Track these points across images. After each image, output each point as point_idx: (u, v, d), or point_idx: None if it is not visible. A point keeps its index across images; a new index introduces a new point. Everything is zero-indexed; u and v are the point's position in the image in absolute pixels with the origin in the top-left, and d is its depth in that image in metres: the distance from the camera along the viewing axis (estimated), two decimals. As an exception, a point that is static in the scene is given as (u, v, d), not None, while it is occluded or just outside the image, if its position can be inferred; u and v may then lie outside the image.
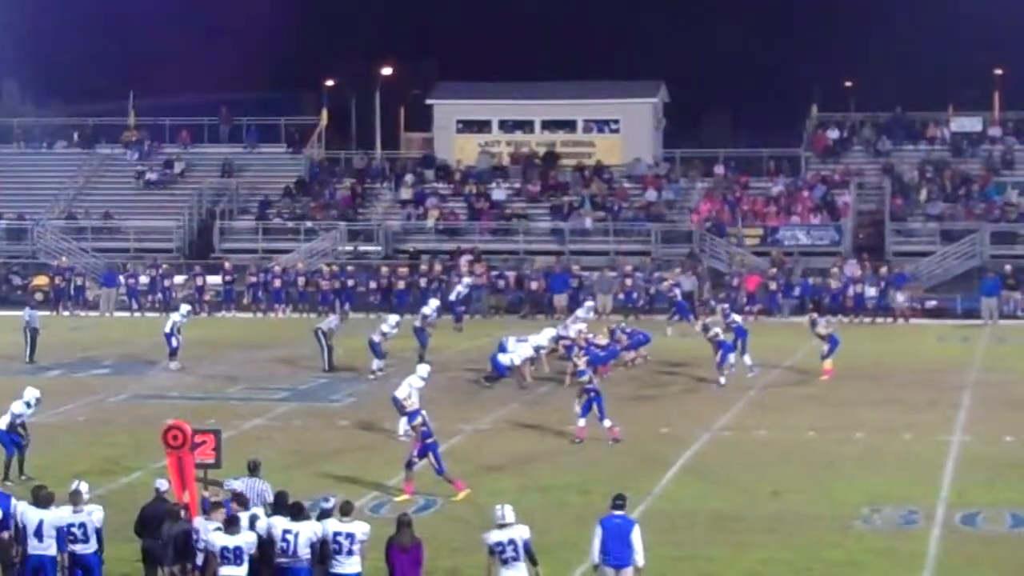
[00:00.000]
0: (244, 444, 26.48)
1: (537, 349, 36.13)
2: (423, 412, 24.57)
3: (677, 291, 47.59)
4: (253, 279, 53.56)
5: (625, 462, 26.36)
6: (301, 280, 53.47)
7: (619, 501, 17.65)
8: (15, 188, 63.69)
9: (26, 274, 57.84)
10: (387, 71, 75.10)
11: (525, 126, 63.68)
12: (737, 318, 38.07)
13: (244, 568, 17.04)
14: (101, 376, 37.57)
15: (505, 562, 16.89)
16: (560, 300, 50.89)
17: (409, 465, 23.84)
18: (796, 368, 37.97)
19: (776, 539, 21.36)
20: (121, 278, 54.19)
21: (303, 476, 24.74)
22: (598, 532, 17.36)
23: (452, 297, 47.84)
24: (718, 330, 35.93)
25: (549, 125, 63.40)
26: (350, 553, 17.28)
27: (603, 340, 36.16)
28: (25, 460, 25.23)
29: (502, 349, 35.51)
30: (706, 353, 36.19)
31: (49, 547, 17.58)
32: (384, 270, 53.66)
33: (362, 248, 57.70)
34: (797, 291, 51.31)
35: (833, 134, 62.60)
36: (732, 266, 53.74)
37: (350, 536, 17.30)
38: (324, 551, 17.33)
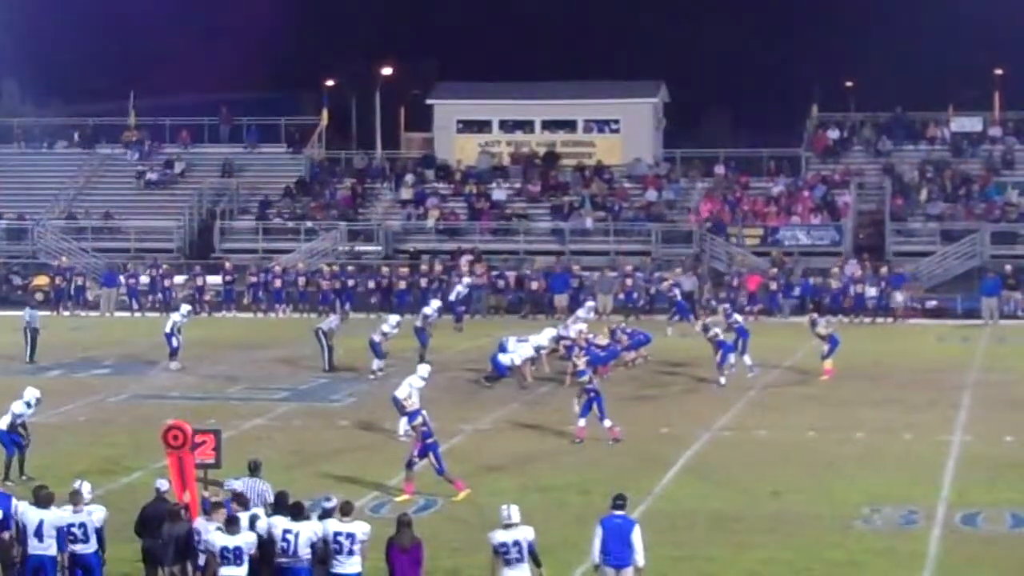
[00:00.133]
0: (244, 444, 26.48)
1: (537, 349, 36.14)
2: (423, 412, 24.58)
3: (677, 291, 47.61)
4: (253, 279, 53.57)
5: (625, 462, 26.36)
6: (301, 280, 53.48)
7: (619, 501, 17.65)
8: (15, 188, 63.70)
9: (26, 274, 57.87)
10: (387, 71, 75.14)
11: (525, 126, 63.69)
12: (739, 318, 38.08)
13: (244, 568, 17.05)
14: (101, 376, 37.57)
15: (508, 563, 16.89)
16: (560, 300, 50.90)
17: (409, 465, 23.85)
18: (796, 368, 37.98)
19: (776, 539, 21.36)
20: (121, 278, 54.20)
21: (303, 476, 24.74)
22: (598, 532, 17.36)
23: (452, 297, 47.85)
24: (718, 330, 35.94)
25: (549, 125, 63.41)
26: (350, 553, 17.28)
27: (604, 340, 36.17)
28: (25, 460, 25.23)
29: (502, 349, 35.52)
30: (706, 353, 36.20)
31: (49, 547, 17.59)
32: (384, 270, 53.67)
33: (358, 248, 57.66)
34: (797, 291, 51.31)
35: (833, 134, 62.61)
36: (732, 266, 53.74)
37: (350, 536, 17.30)
38: (325, 551, 17.34)
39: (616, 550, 17.22)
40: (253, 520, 17.67)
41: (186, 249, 59.69)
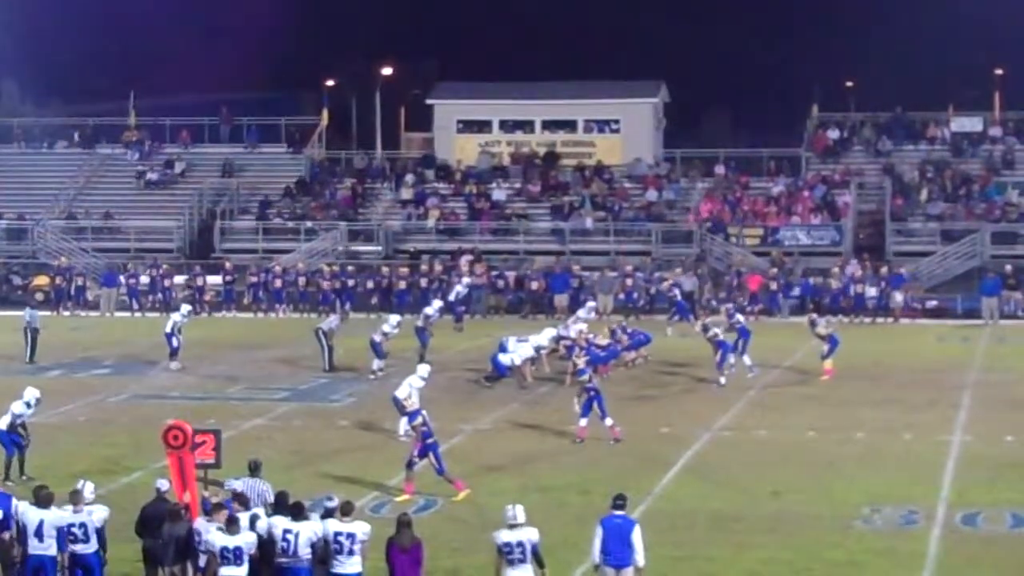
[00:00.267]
0: (244, 444, 26.48)
1: (537, 349, 36.15)
2: (423, 412, 24.58)
3: (677, 291, 47.59)
4: (253, 279, 53.57)
5: (625, 462, 26.36)
6: (301, 280, 53.49)
7: (619, 501, 17.65)
8: (15, 188, 63.71)
9: (26, 274, 57.89)
10: (387, 71, 75.14)
11: (525, 126, 63.69)
12: (741, 318, 38.05)
13: (244, 568, 17.05)
14: (101, 376, 37.58)
15: (512, 563, 16.89)
16: (560, 300, 50.91)
17: (410, 465, 23.85)
18: (796, 368, 37.98)
19: (776, 539, 21.36)
20: (122, 278, 54.20)
21: (303, 476, 24.74)
22: (598, 532, 17.36)
23: (452, 297, 47.84)
24: (718, 330, 35.93)
25: (549, 125, 63.42)
26: (351, 553, 17.28)
27: (604, 340, 36.17)
28: (25, 460, 25.22)
29: (502, 349, 35.52)
30: (706, 353, 36.20)
31: (49, 547, 17.59)
32: (384, 270, 53.67)
33: (355, 248, 57.63)
34: (797, 291, 51.31)
35: (833, 134, 62.62)
36: (731, 267, 53.72)
37: (351, 536, 17.30)
38: (325, 551, 17.34)
39: (616, 550, 17.22)
40: (253, 520, 17.67)
41: (186, 249, 59.70)
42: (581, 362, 30.32)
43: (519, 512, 17.09)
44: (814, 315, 39.27)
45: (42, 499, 17.79)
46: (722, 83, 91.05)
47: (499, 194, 60.37)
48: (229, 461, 20.83)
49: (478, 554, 19.93)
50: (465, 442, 28.51)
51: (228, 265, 54.37)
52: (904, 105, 63.73)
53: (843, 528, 21.93)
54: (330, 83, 75.36)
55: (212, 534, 17.22)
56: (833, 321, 43.96)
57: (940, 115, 63.02)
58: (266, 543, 17.42)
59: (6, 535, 18.14)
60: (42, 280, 55.95)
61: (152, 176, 63.91)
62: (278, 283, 53.30)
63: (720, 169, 61.26)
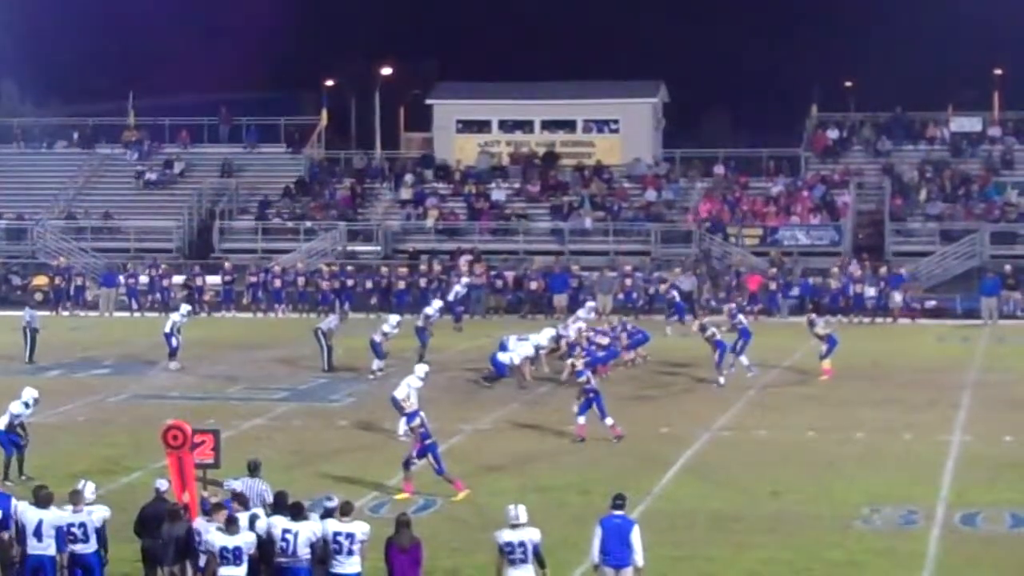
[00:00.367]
0: (244, 444, 26.47)
1: (537, 348, 36.14)
2: (421, 413, 24.59)
3: (674, 292, 47.55)
4: (253, 279, 53.56)
5: (625, 462, 26.35)
6: (301, 280, 53.48)
7: (619, 501, 17.65)
8: (15, 188, 63.71)
9: (26, 274, 57.88)
10: (387, 71, 75.13)
11: (525, 126, 63.70)
12: (743, 319, 37.99)
13: (243, 568, 17.05)
14: (101, 376, 37.57)
15: (513, 563, 16.88)
16: (560, 300, 50.90)
17: (407, 465, 23.84)
18: (796, 368, 37.98)
19: (776, 539, 21.35)
20: (121, 278, 54.20)
21: (303, 476, 24.73)
22: (598, 532, 17.35)
23: (451, 297, 47.83)
24: (715, 330, 35.90)
25: (549, 125, 63.43)
26: (350, 553, 17.27)
27: (605, 340, 36.17)
28: (25, 460, 25.20)
29: (503, 348, 35.52)
30: (706, 353, 36.17)
31: (48, 547, 17.58)
32: (384, 270, 53.67)
33: (352, 248, 57.60)
34: (797, 291, 51.30)
35: (833, 134, 62.63)
36: (731, 267, 53.72)
37: (350, 536, 17.29)
38: (324, 551, 17.33)
39: (615, 550, 17.21)
40: (253, 520, 17.66)
41: (185, 249, 59.69)
42: (580, 363, 30.31)
43: (521, 512, 17.08)
44: (813, 315, 39.27)
45: (41, 499, 17.78)
46: (721, 83, 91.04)
47: (498, 194, 60.37)
48: (228, 461, 20.83)
49: (478, 554, 19.93)
50: (465, 442, 28.50)
51: (227, 265, 54.36)
52: (903, 105, 63.75)
53: (843, 528, 21.92)
54: (330, 83, 75.38)
55: (211, 534, 17.21)
56: (832, 321, 44.03)
57: (939, 115, 63.04)
58: (265, 543, 17.41)
59: (5, 535, 18.13)
60: (41, 280, 55.95)
61: (151, 176, 63.91)
62: (277, 283, 53.30)
63: (719, 169, 61.27)
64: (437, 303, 41.78)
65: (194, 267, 55.52)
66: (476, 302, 51.54)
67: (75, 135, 67.19)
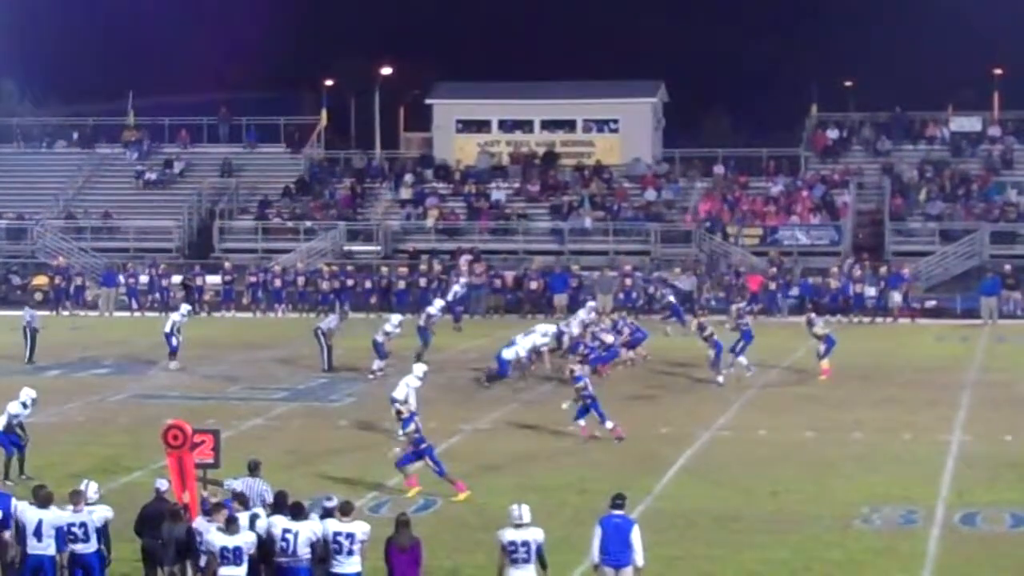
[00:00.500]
0: (243, 444, 26.46)
1: (537, 346, 36.14)
2: (416, 418, 24.61)
3: (668, 294, 47.50)
4: (253, 279, 53.57)
5: (625, 462, 26.35)
6: (301, 280, 53.49)
7: (618, 501, 17.65)
8: (15, 188, 63.74)
9: (26, 274, 57.89)
10: (387, 71, 75.12)
11: (525, 126, 63.72)
12: (748, 320, 37.90)
13: (243, 568, 17.05)
14: (101, 376, 37.58)
15: (515, 562, 16.88)
16: (560, 300, 50.91)
17: (400, 466, 23.87)
18: (795, 368, 37.97)
19: (776, 539, 21.35)
20: (121, 278, 54.21)
21: (303, 476, 24.73)
22: (597, 532, 17.35)
23: (449, 297, 47.80)
24: (713, 330, 35.85)
25: (549, 125, 63.45)
26: (350, 553, 17.27)
27: (609, 338, 36.19)
28: (25, 460, 25.18)
29: (511, 346, 35.53)
30: (706, 353, 36.10)
31: (48, 547, 17.58)
32: (384, 270, 53.67)
33: (349, 248, 57.59)
34: (796, 291, 51.28)
35: (833, 134, 62.64)
36: (730, 266, 53.73)
37: (350, 536, 17.30)
38: (324, 551, 17.33)
39: (615, 550, 17.22)
40: (253, 519, 17.67)
41: (185, 249, 59.70)
42: (578, 369, 30.16)
43: (525, 512, 17.08)
44: (812, 315, 39.22)
45: (41, 499, 17.78)
46: (721, 83, 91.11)
47: (498, 194, 60.38)
48: (228, 461, 20.83)
49: (478, 554, 19.95)
50: (464, 442, 28.51)
51: (227, 265, 54.37)
52: (903, 105, 63.77)
53: (842, 528, 21.92)
54: (329, 83, 75.38)
55: (212, 534, 17.22)
56: (832, 321, 44.01)
57: (939, 115, 63.06)
58: (265, 543, 17.42)
59: (5, 534, 18.13)
60: (41, 280, 55.96)
61: (151, 176, 63.92)
62: (277, 283, 53.30)
63: (719, 169, 61.29)
64: (439, 303, 41.78)
65: (194, 267, 55.51)
66: (476, 302, 51.55)
67: (75, 135, 67.22)
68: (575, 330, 37.21)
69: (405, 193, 60.97)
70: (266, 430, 29.88)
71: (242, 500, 18.30)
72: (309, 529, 17.38)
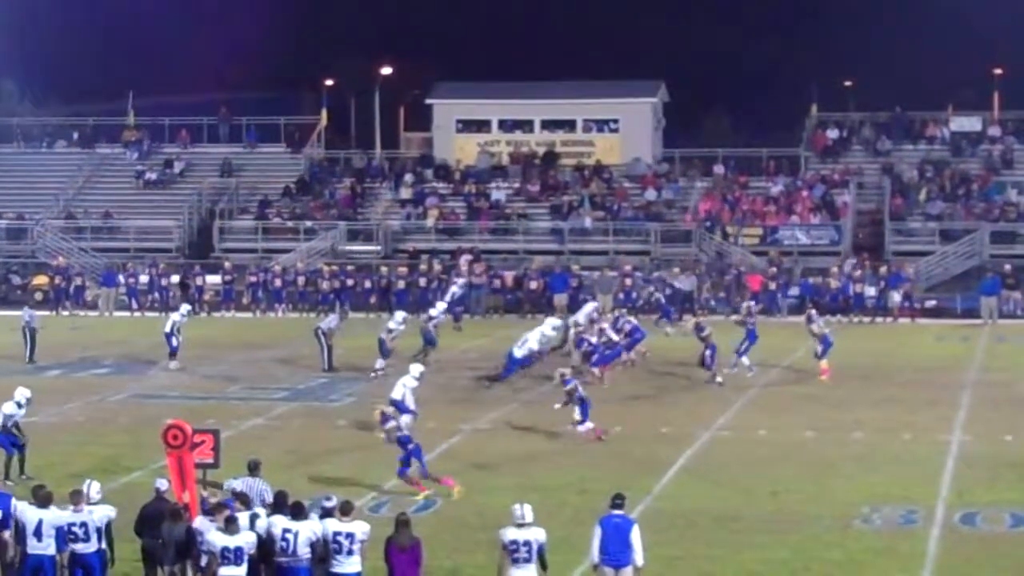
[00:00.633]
0: (243, 444, 26.45)
1: (545, 340, 36.21)
2: (400, 419, 24.62)
3: (659, 294, 47.45)
4: (253, 279, 53.57)
5: (625, 462, 26.34)
6: (301, 280, 53.48)
7: (618, 500, 17.65)
8: (15, 188, 63.75)
9: (26, 274, 57.89)
10: (387, 71, 75.13)
11: (525, 126, 63.72)
12: (754, 320, 37.86)
13: (244, 568, 17.06)
14: (101, 376, 37.58)
15: (516, 561, 16.88)
16: (560, 300, 50.89)
17: (401, 473, 23.85)
18: (795, 368, 37.97)
19: (775, 539, 21.35)
20: (121, 278, 54.21)
21: (302, 476, 24.73)
22: (597, 532, 17.35)
23: (447, 298, 47.71)
24: (710, 330, 35.82)
25: (549, 125, 63.45)
26: (350, 553, 17.27)
27: (616, 336, 36.21)
28: (25, 459, 25.15)
29: (523, 343, 35.52)
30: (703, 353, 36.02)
31: (48, 547, 17.58)
32: (384, 270, 53.67)
33: (344, 248, 57.55)
34: (796, 291, 51.26)
35: (833, 134, 62.65)
36: (730, 266, 53.72)
37: (350, 536, 17.30)
38: (324, 550, 17.33)
39: (615, 550, 17.21)
40: (253, 519, 17.67)
41: (185, 249, 59.70)
42: (568, 371, 30.06)
43: (527, 511, 17.08)
44: (813, 311, 39.15)
45: (41, 499, 17.78)
46: (721, 83, 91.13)
47: (498, 194, 60.38)
48: (228, 461, 20.83)
49: (478, 554, 19.95)
50: (464, 442, 28.51)
51: (227, 265, 54.36)
52: (903, 105, 63.77)
53: (842, 528, 21.92)
54: (329, 83, 75.41)
55: (212, 534, 17.22)
56: (832, 321, 44.00)
57: (939, 115, 63.08)
58: (265, 542, 17.42)
59: (5, 534, 18.12)
60: (41, 280, 55.97)
61: (151, 176, 63.93)
62: (278, 283, 53.30)
63: (719, 169, 61.29)
64: (441, 305, 41.73)
65: (194, 267, 55.50)
66: (476, 302, 51.55)
67: (75, 135, 67.23)
68: (581, 319, 37.36)
69: (405, 193, 60.97)
70: (266, 430, 29.89)
71: (244, 500, 18.30)
72: (309, 529, 17.38)
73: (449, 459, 26.55)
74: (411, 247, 57.78)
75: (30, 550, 17.59)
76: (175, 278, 54.61)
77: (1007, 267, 51.15)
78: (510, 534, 16.99)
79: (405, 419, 27.77)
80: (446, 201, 60.59)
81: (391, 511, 21.54)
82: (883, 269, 51.07)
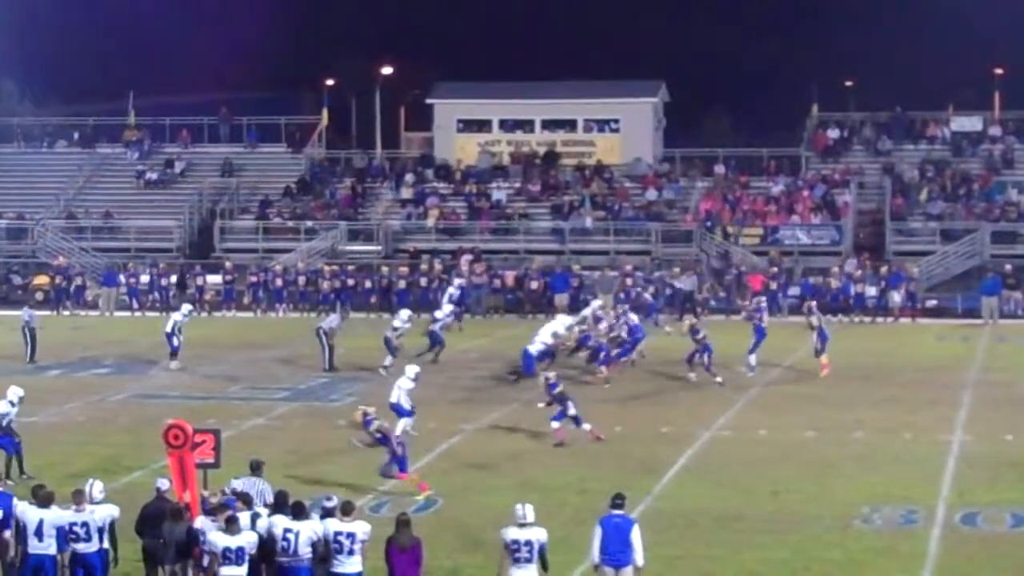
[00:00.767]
0: (244, 444, 26.47)
1: (555, 335, 36.27)
2: (378, 420, 24.69)
3: (646, 295, 47.48)
4: (254, 279, 53.57)
5: (625, 462, 26.35)
6: (302, 280, 53.48)
7: (618, 500, 17.66)
8: (15, 188, 63.75)
9: (26, 273, 57.89)
10: (387, 71, 75.12)
11: (525, 126, 63.71)
12: (764, 318, 37.87)
13: (245, 568, 17.06)
14: (101, 376, 37.58)
15: (517, 561, 16.90)
16: (560, 300, 50.86)
17: (400, 470, 23.87)
18: (795, 368, 37.96)
19: (776, 539, 21.35)
20: (122, 277, 54.22)
21: (303, 476, 24.74)
22: (597, 532, 17.36)
23: (444, 300, 47.68)
24: (705, 333, 35.79)
25: (549, 125, 63.44)
26: (351, 553, 17.28)
27: (625, 333, 36.24)
28: (24, 459, 25.13)
29: (533, 342, 35.59)
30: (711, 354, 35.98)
31: (49, 547, 17.59)
32: (384, 270, 53.66)
33: (343, 248, 57.55)
34: (797, 291, 51.23)
35: (833, 133, 62.65)
36: (732, 266, 53.71)
37: (351, 536, 17.31)
38: (325, 550, 17.34)
39: (615, 550, 17.22)
40: (254, 519, 17.67)
41: (186, 249, 59.71)
42: (552, 376, 29.99)
43: (529, 511, 17.10)
44: (812, 303, 39.09)
45: (41, 499, 17.78)
46: (722, 83, 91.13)
47: (499, 194, 60.38)
48: (229, 461, 20.83)
49: (478, 554, 19.96)
50: (464, 442, 28.51)
51: (228, 265, 54.36)
52: (904, 105, 63.76)
53: (842, 528, 21.92)
54: (330, 82, 75.38)
55: (213, 534, 17.22)
56: (833, 321, 43.97)
57: (940, 114, 63.07)
58: (266, 542, 17.43)
59: (6, 534, 18.13)
60: (42, 280, 55.97)
61: (152, 176, 63.93)
62: (279, 282, 53.29)
63: (720, 169, 61.29)
64: (448, 307, 41.69)
65: (194, 266, 55.50)
66: (476, 302, 51.54)
67: (75, 135, 67.23)
68: (587, 313, 37.37)
69: (406, 193, 60.97)
70: (267, 430, 29.89)
71: (246, 500, 18.30)
72: (310, 529, 17.39)
73: (450, 459, 26.58)
74: (412, 247, 57.77)
75: (31, 550, 17.59)
76: (175, 278, 54.60)
77: (1008, 267, 51.14)
78: (511, 534, 17.00)
79: (404, 422, 27.90)
80: (447, 201, 60.59)
81: (392, 511, 21.54)
82: (884, 269, 51.05)
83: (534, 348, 35.28)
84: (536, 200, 60.21)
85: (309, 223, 59.22)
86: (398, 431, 27.85)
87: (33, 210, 61.28)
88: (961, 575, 19.90)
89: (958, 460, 26.62)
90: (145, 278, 54.22)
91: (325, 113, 68.48)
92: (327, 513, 17.85)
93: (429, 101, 65.19)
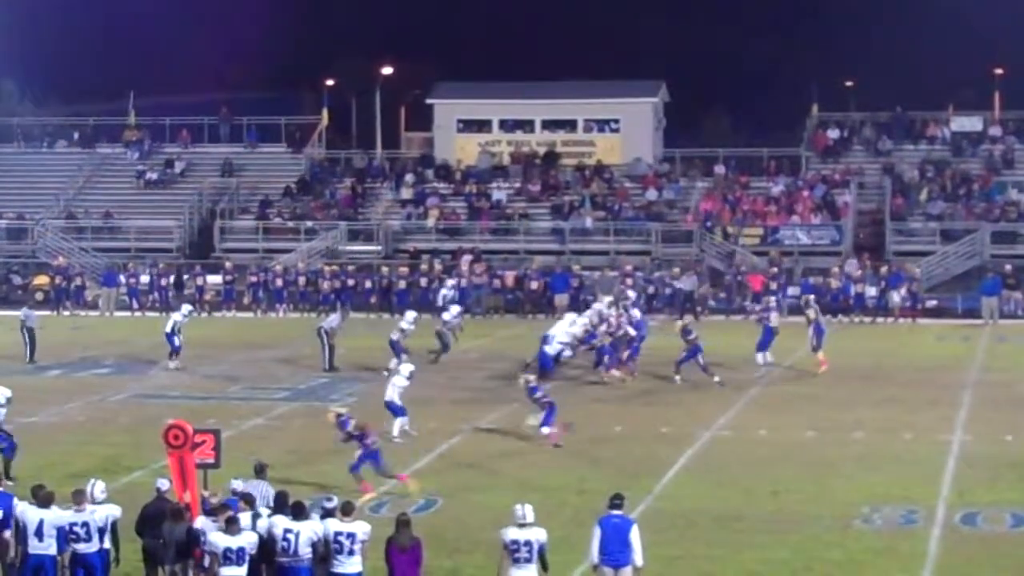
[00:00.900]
0: (244, 444, 26.48)
1: (570, 336, 36.32)
2: (353, 420, 24.73)
3: (629, 291, 47.47)
4: (254, 279, 53.57)
5: (625, 462, 26.35)
6: (302, 280, 53.47)
7: (617, 500, 17.65)
8: (15, 188, 63.75)
9: (26, 273, 57.89)
10: (387, 71, 75.14)
11: (525, 126, 63.71)
12: (774, 317, 37.83)
13: (245, 568, 17.06)
14: (101, 376, 37.58)
15: (517, 561, 16.90)
16: (561, 300, 50.84)
17: (380, 472, 23.88)
18: (795, 368, 37.96)
19: (776, 539, 21.35)
20: (122, 278, 54.22)
21: (303, 476, 24.72)
22: (597, 532, 17.35)
23: (439, 302, 47.66)
24: (697, 334, 35.79)
25: (549, 125, 63.44)
26: (351, 553, 17.28)
27: (632, 330, 36.26)
28: (12, 461, 24.76)
29: (546, 341, 35.54)
30: (709, 352, 35.99)
31: (49, 547, 17.58)
32: (384, 270, 53.66)
33: (342, 248, 57.53)
34: (797, 291, 51.17)
35: (833, 134, 62.65)
36: (731, 266, 53.72)
37: (351, 536, 17.31)
38: (325, 551, 17.34)
39: (614, 550, 17.22)
40: (254, 519, 17.68)
41: (186, 249, 59.71)
42: (532, 379, 29.95)
43: (528, 511, 17.10)
44: (811, 296, 39.03)
45: (41, 499, 17.78)
46: (722, 83, 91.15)
47: (499, 194, 60.38)
48: (229, 461, 20.83)
49: (478, 554, 19.95)
50: (464, 442, 28.51)
51: (228, 265, 54.36)
52: (904, 105, 63.76)
53: (843, 528, 21.92)
54: (330, 83, 75.42)
55: (214, 535, 17.22)
56: (833, 321, 43.96)
57: (940, 115, 63.07)
58: (267, 543, 17.43)
59: (6, 534, 18.13)
60: (42, 280, 55.97)
61: (152, 176, 63.93)
62: (279, 283, 53.29)
63: (720, 169, 61.28)
64: (455, 308, 41.71)
65: (194, 267, 55.51)
66: (477, 302, 51.54)
67: (75, 135, 67.24)
68: (595, 307, 37.45)
69: (406, 193, 60.97)
70: (267, 430, 29.90)
71: (248, 500, 18.29)
72: (310, 529, 17.39)
73: (450, 459, 26.58)
74: (412, 247, 57.77)
75: (31, 550, 17.59)
76: (174, 278, 54.60)
77: (1008, 267, 51.14)
78: (511, 534, 17.00)
79: (400, 421, 27.94)
80: (447, 201, 60.59)
81: (392, 511, 21.54)
82: (884, 269, 51.05)
83: (551, 349, 35.26)
84: (536, 200, 60.21)
85: (309, 223, 59.22)
86: (395, 431, 27.93)
87: (33, 210, 61.28)
88: (961, 575, 19.91)
89: (958, 460, 26.62)
90: (145, 278, 54.23)
91: (325, 113, 68.49)
92: (327, 513, 17.85)
93: (429, 101, 65.19)
